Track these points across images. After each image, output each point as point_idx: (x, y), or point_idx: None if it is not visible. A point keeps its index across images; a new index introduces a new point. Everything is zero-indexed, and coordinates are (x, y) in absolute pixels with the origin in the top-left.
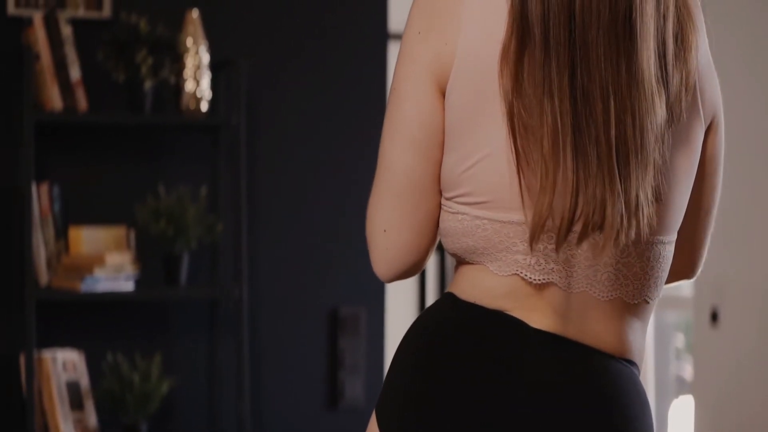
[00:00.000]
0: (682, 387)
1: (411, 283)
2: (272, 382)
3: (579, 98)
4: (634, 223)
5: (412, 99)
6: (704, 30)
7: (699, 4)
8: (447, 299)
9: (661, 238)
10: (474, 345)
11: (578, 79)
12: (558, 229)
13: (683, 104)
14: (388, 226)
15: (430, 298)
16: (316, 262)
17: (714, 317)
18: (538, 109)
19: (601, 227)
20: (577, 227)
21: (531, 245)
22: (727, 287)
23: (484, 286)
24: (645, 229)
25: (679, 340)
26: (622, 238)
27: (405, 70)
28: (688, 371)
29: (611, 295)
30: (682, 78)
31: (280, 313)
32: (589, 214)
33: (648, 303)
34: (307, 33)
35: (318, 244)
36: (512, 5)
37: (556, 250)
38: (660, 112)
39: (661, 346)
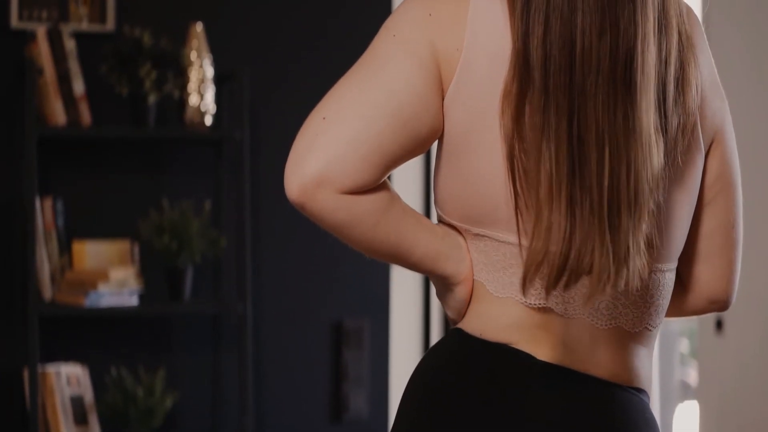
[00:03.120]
0: (687, 392)
1: (415, 295)
2: (276, 395)
3: (575, 145)
4: (624, 272)
5: (402, 73)
6: (707, 50)
7: (699, 24)
8: (453, 334)
9: (660, 266)
10: (481, 381)
11: (575, 126)
12: (548, 275)
13: (679, 147)
14: (332, 114)
15: (435, 311)
16: (320, 275)
17: (719, 325)
18: (536, 153)
19: (588, 275)
20: (566, 274)
21: (523, 290)
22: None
23: (488, 317)
24: (635, 281)
25: (684, 346)
26: (608, 288)
27: (403, 46)
28: (692, 376)
29: (610, 324)
30: (680, 122)
31: (284, 327)
32: (577, 262)
33: (650, 331)
34: (310, 46)
35: (321, 257)
36: (515, 47)
37: (546, 296)
38: (657, 162)
39: (665, 352)
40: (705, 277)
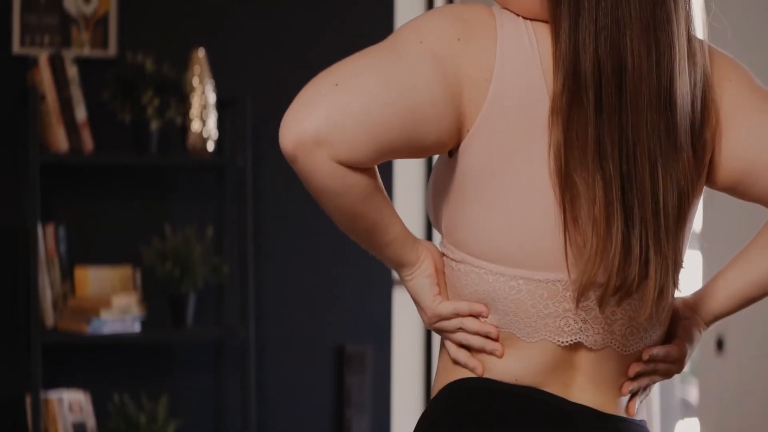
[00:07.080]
0: (687, 410)
1: (418, 321)
2: (279, 421)
3: (627, 161)
4: (670, 283)
5: (425, 76)
6: (730, 88)
7: (720, 63)
8: (471, 377)
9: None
10: (505, 417)
11: (627, 143)
12: (604, 289)
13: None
14: (346, 83)
15: (437, 337)
16: (323, 300)
17: (719, 344)
18: (591, 168)
19: (643, 288)
20: (622, 288)
21: (577, 304)
22: (733, 315)
23: (513, 359)
24: (669, 297)
25: None
26: (665, 298)
27: (424, 61)
28: (692, 394)
29: (631, 350)
30: (702, 150)
31: (287, 352)
32: (633, 275)
33: None
34: (312, 71)
35: (324, 282)
36: (562, 60)
37: (601, 311)
38: (694, 180)
39: None
40: None
